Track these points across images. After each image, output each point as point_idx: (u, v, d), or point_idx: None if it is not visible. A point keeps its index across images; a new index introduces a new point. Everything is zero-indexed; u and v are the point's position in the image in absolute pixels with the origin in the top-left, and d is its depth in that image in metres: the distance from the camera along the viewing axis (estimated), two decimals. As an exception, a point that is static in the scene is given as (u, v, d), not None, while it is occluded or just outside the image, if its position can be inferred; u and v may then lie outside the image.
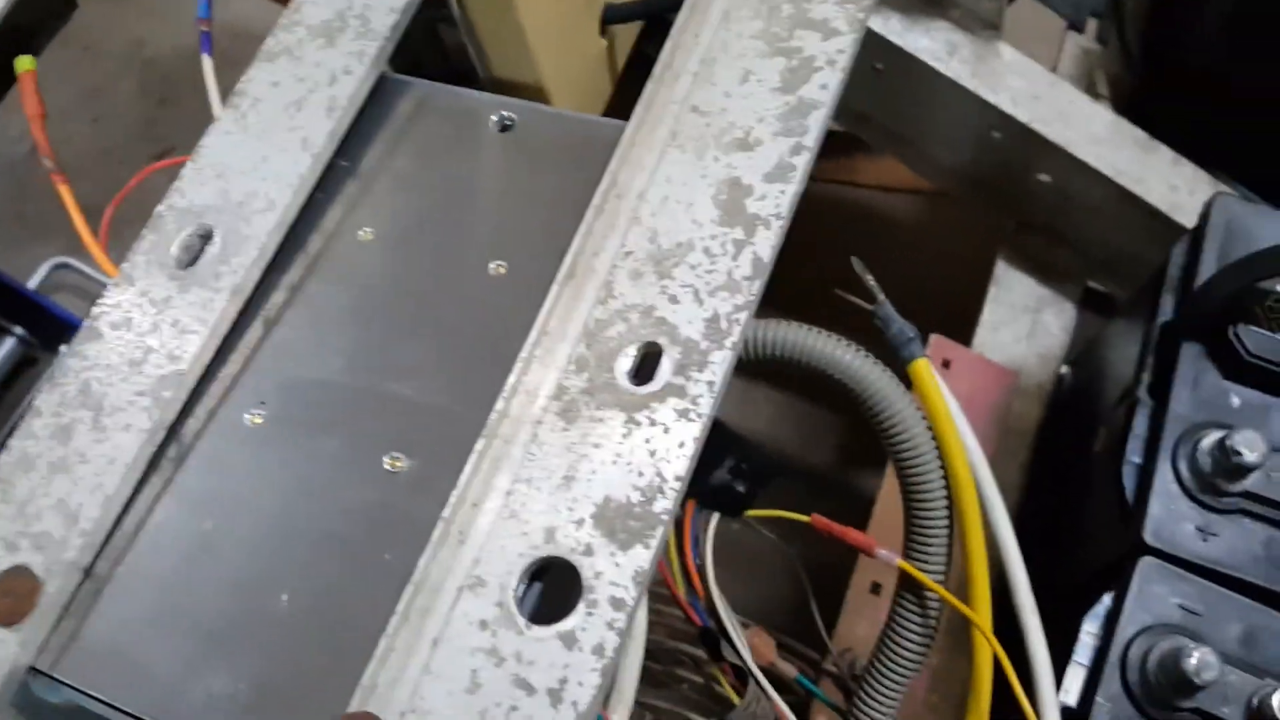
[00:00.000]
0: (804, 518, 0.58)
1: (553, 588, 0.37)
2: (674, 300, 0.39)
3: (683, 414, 0.38)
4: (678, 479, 0.37)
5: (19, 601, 0.38)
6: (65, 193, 0.70)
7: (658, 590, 0.58)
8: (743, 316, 0.39)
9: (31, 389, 1.33)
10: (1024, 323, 0.88)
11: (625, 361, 0.39)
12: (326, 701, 0.36)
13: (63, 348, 1.36)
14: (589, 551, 0.36)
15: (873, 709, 0.55)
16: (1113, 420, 0.66)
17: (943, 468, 0.54)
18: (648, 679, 0.57)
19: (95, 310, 0.44)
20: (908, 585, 0.56)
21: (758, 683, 0.50)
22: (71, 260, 1.39)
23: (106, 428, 0.41)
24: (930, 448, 0.54)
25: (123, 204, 0.76)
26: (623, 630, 0.35)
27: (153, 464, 0.41)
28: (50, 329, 1.31)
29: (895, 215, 1.19)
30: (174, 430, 0.42)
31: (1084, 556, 0.67)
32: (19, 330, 1.34)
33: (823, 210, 1.18)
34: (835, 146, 1.13)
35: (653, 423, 0.38)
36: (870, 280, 0.58)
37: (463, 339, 0.42)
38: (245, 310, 0.44)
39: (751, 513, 0.58)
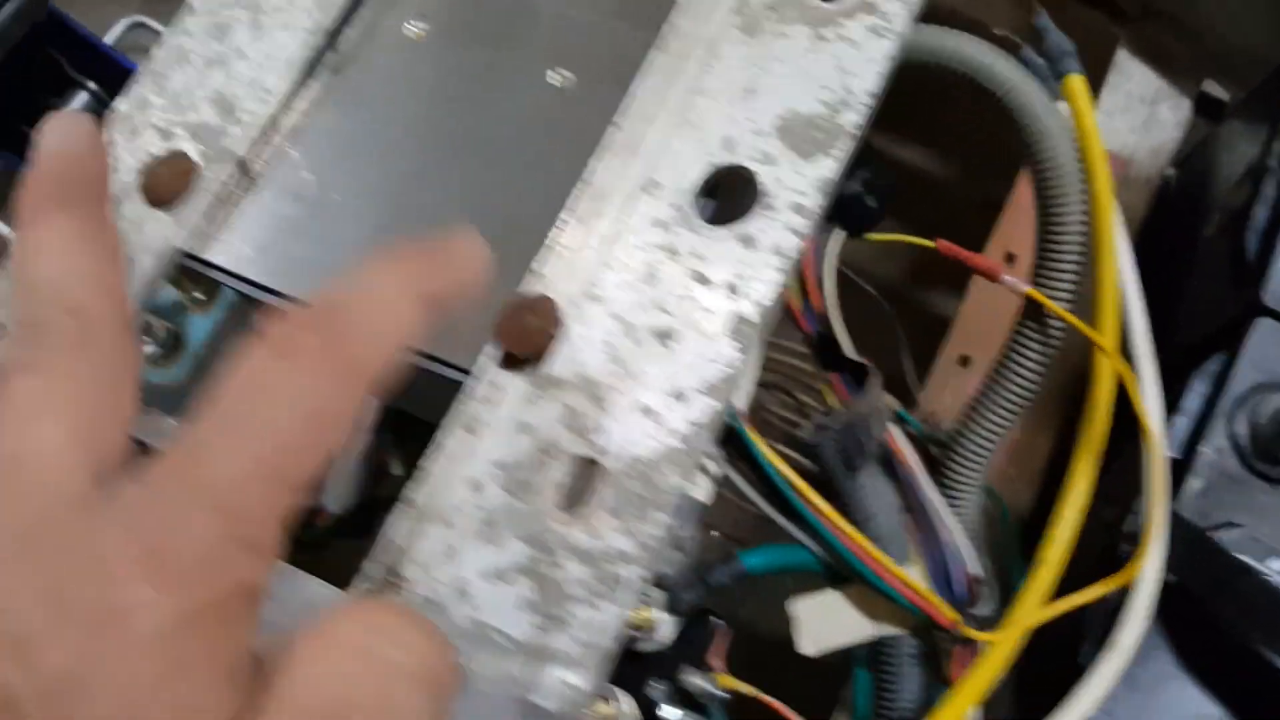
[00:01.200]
0: (928, 242, 0.57)
1: (729, 199, 0.36)
2: (867, -79, 0.37)
3: (874, 30, 0.36)
4: (868, 94, 0.35)
5: (173, 182, 0.37)
6: None
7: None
8: (940, -57, 0.37)
9: (100, 148, 1.32)
10: (1139, 113, 0.85)
11: (813, -21, 0.37)
12: (494, 290, 0.35)
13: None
14: (769, 160, 0.35)
15: (986, 430, 0.54)
16: (1232, 200, 0.64)
17: (1084, 191, 0.53)
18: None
19: (249, -84, 0.42)
20: (1030, 314, 0.55)
21: (876, 381, 0.49)
22: (147, 19, 1.37)
23: (265, 26, 0.40)
24: (1074, 167, 0.52)
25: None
26: (802, 234, 0.34)
27: (311, 68, 0.40)
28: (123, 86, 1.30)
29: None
30: (333, 36, 0.40)
31: (1189, 332, 0.66)
32: (92, 85, 1.32)
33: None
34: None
35: (841, 38, 0.36)
36: (1026, -7, 0.55)
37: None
38: (403, -75, 0.42)
39: (873, 236, 0.57)
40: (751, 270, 0.34)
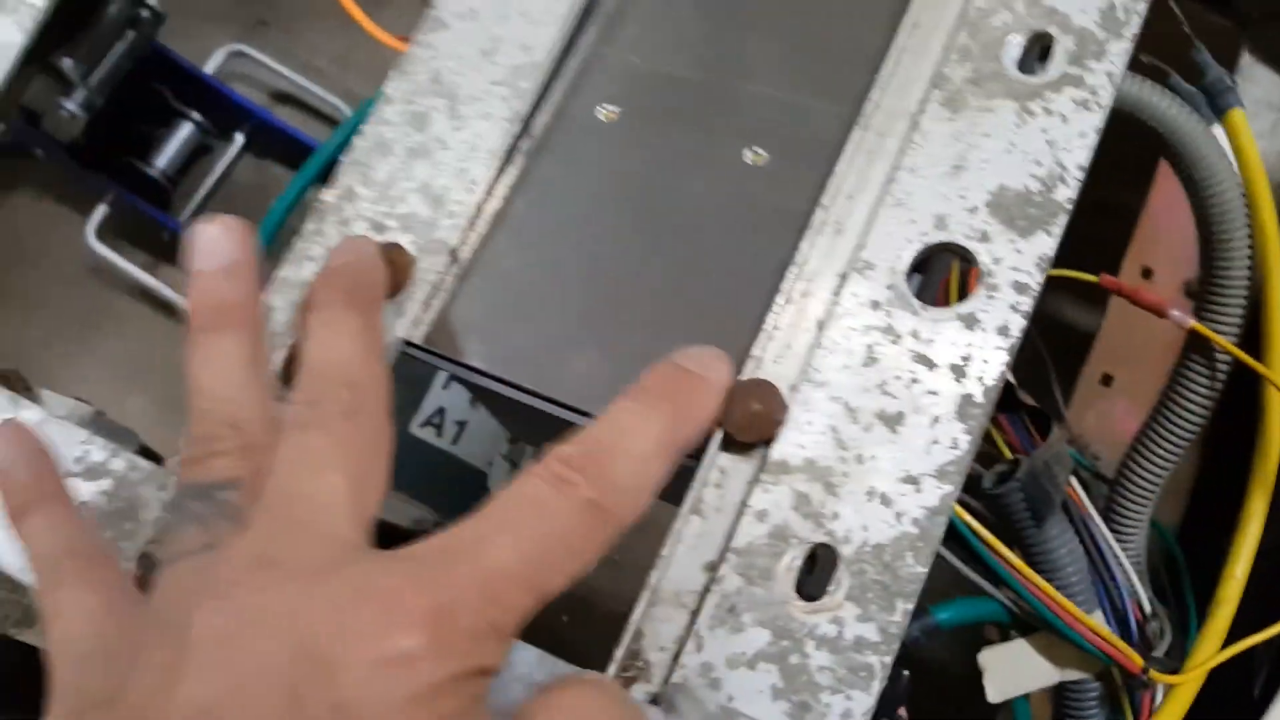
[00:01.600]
0: (1091, 278, 0.56)
1: (935, 276, 0.37)
2: (1066, -11, 0.37)
3: (1081, 104, 0.36)
4: (1080, 169, 0.35)
5: (395, 275, 0.39)
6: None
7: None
8: (1141, 7, 0.37)
9: (205, 178, 1.36)
10: (1267, 118, 0.83)
11: (1013, 50, 0.37)
12: (710, 376, 0.36)
13: (237, 135, 1.38)
14: (985, 238, 0.35)
15: (1155, 467, 0.54)
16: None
17: (1249, 225, 0.52)
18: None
19: (437, 1, 0.43)
20: (1196, 348, 0.55)
21: (1059, 427, 0.50)
22: (246, 47, 1.39)
23: (463, 115, 0.41)
24: (1239, 203, 0.52)
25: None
26: (1028, 314, 0.34)
27: (508, 155, 0.41)
28: (226, 116, 1.33)
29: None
30: (527, 122, 0.41)
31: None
32: (196, 116, 1.35)
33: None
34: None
35: (1049, 112, 0.36)
36: (1185, 27, 0.55)
37: (820, 35, 0.41)
38: (588, 7, 0.43)
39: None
40: (977, 351, 0.34)
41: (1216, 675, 0.52)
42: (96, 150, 1.27)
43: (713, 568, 0.33)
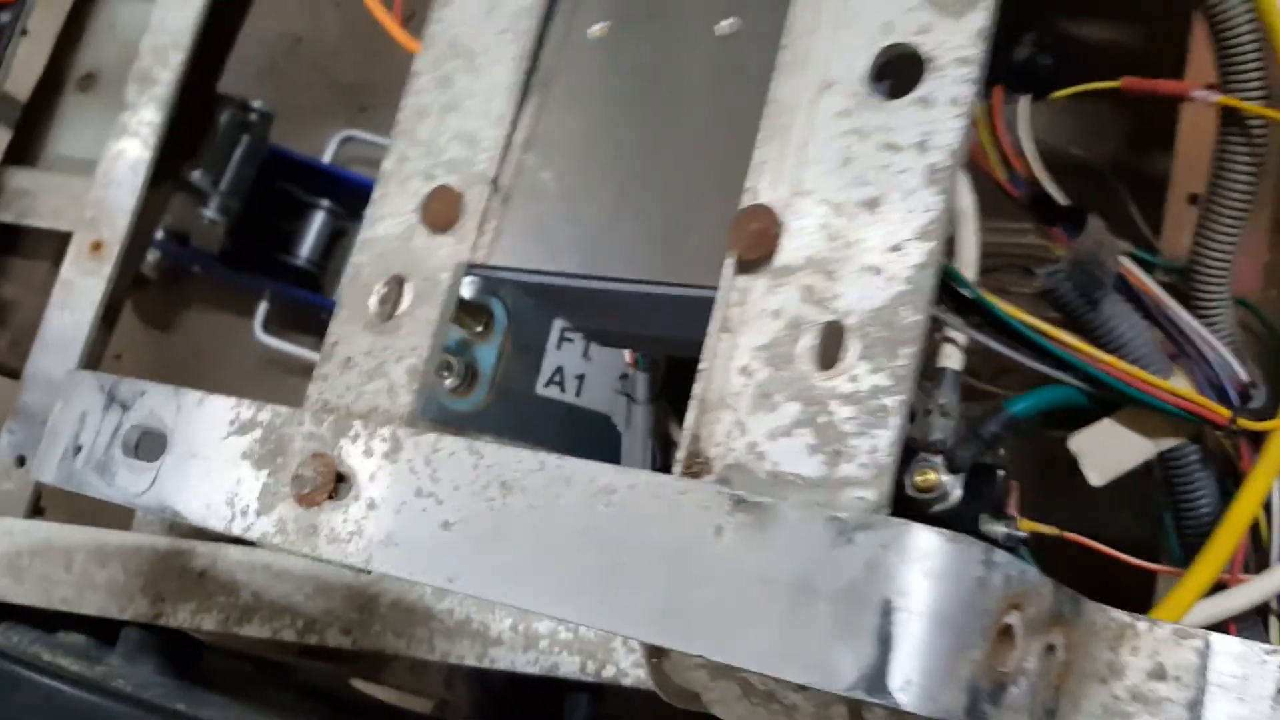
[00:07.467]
0: (1114, 84, 0.58)
1: (901, 75, 0.41)
2: None
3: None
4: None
5: (448, 210, 0.46)
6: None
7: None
8: None
9: (348, 255, 1.48)
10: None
11: None
12: (721, 217, 0.41)
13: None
14: (926, 29, 0.39)
15: (1218, 240, 0.56)
16: None
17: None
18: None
19: (441, -18, 0.50)
20: (1230, 121, 0.56)
21: (1094, 217, 0.52)
22: (355, 131, 1.52)
23: (480, 65, 0.48)
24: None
25: None
26: (976, 81, 0.38)
27: (524, 89, 0.48)
28: (352, 197, 1.45)
29: None
30: (535, 57, 0.48)
31: None
32: (326, 203, 1.48)
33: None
34: None
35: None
36: None
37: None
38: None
39: (1057, 94, 0.60)
40: (935, 125, 0.38)
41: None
42: (245, 254, 1.41)
43: (745, 369, 0.38)
